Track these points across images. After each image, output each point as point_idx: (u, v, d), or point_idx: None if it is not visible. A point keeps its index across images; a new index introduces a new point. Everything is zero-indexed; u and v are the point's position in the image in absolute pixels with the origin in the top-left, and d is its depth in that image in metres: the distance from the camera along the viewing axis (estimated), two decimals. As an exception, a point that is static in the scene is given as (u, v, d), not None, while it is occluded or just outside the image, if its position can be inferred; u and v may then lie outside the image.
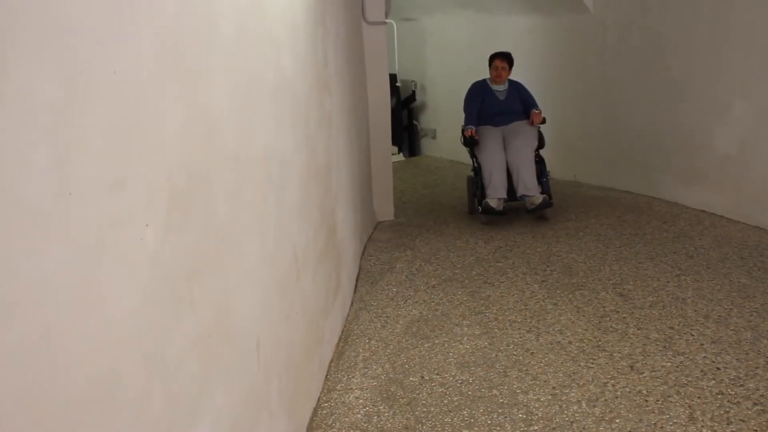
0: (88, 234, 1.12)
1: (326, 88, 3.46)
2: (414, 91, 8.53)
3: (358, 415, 2.85)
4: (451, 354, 3.33)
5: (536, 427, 2.72)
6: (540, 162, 5.50)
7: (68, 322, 1.06)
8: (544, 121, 5.50)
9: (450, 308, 3.86)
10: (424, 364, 3.25)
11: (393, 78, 8.10)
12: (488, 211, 5.26)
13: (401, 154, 8.51)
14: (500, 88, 5.75)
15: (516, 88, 5.77)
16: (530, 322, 3.61)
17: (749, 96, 4.91)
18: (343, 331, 3.62)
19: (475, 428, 2.73)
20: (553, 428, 2.70)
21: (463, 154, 8.17)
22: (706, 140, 5.31)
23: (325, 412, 2.88)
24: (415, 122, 8.74)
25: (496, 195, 5.30)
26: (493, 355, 3.30)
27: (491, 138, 5.48)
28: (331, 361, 3.30)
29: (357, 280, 4.32)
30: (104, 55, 1.19)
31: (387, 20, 5.65)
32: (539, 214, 5.45)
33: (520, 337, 3.46)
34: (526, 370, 3.15)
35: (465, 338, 3.49)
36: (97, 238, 1.15)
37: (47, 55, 1.02)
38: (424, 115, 8.69)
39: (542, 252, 4.69)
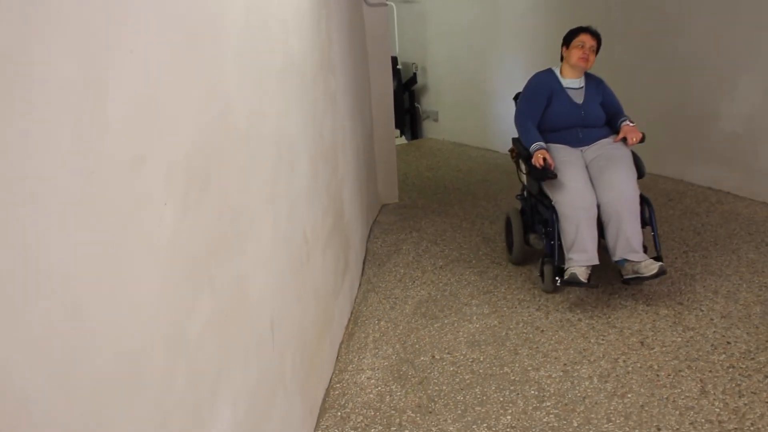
0: (111, 213, 1.12)
1: (331, 69, 3.45)
2: (415, 74, 8.49)
3: (371, 395, 2.87)
4: (461, 333, 3.34)
5: (548, 403, 2.73)
6: (644, 203, 3.58)
7: (95, 300, 1.07)
8: (642, 140, 3.66)
9: (458, 288, 3.87)
10: (435, 343, 3.26)
11: (394, 61, 8.06)
12: (573, 283, 3.44)
13: (403, 137, 8.49)
14: (576, 84, 3.83)
15: (596, 85, 3.89)
16: (539, 301, 3.62)
17: (756, 73, 4.89)
18: (352, 313, 3.63)
19: (488, 405, 2.74)
20: (566, 404, 2.72)
21: (466, 135, 8.19)
22: (712, 118, 5.29)
23: (337, 392, 2.90)
24: (416, 105, 8.71)
25: (585, 261, 3.45)
26: (503, 333, 3.31)
27: (573, 168, 3.57)
28: (342, 342, 3.31)
29: (364, 263, 4.32)
30: (121, 35, 1.18)
31: (387, 2, 5.63)
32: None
33: (530, 316, 3.47)
34: (537, 347, 3.16)
35: (474, 317, 3.50)
36: (119, 217, 1.15)
37: (66, 34, 1.02)
38: (426, 97, 8.66)
39: (548, 231, 4.68)
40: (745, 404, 2.62)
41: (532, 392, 2.82)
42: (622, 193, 3.47)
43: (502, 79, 7.33)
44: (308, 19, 2.89)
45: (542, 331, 3.31)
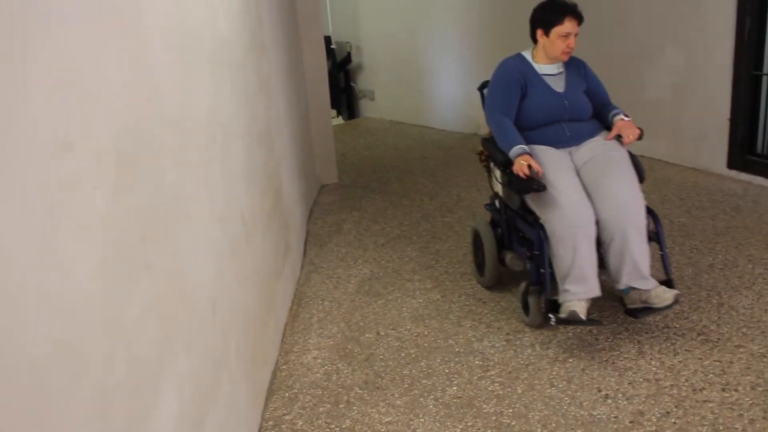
0: (37, 199, 1.09)
1: (263, 50, 3.41)
2: (349, 53, 8.46)
3: (318, 375, 2.87)
4: (404, 309, 3.37)
5: (493, 372, 2.78)
6: (648, 215, 2.96)
7: (27, 286, 1.04)
8: (641, 137, 3.05)
9: (400, 265, 3.89)
10: (379, 320, 3.28)
11: (327, 40, 8.02)
12: (572, 322, 2.84)
13: (340, 117, 8.47)
14: (553, 69, 3.17)
15: (577, 70, 3.23)
16: (480, 273, 3.67)
17: (680, 41, 5.02)
18: (295, 294, 3.62)
19: (434, 378, 2.78)
20: (510, 372, 2.77)
21: (403, 113, 8.20)
22: (639, 86, 5.42)
23: (284, 374, 2.89)
24: (352, 84, 8.69)
25: (585, 293, 2.84)
26: (446, 306, 3.35)
27: (564, 176, 2.94)
28: (287, 323, 3.30)
29: (305, 244, 4.31)
30: (39, 16, 1.14)
31: (318, -19, 5.58)
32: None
33: (472, 288, 3.52)
34: (480, 318, 3.21)
35: (417, 292, 3.53)
36: (47, 203, 1.12)
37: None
38: (362, 76, 8.64)
39: (487, 204, 4.74)
40: (680, 362, 2.72)
41: (477, 362, 2.86)
42: (627, 206, 2.84)
43: (437, 56, 7.36)
44: (237, 1, 2.85)
45: (484, 302, 3.36)
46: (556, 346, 2.92)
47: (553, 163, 2.97)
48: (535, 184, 2.85)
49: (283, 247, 3.43)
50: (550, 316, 2.85)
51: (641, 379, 2.64)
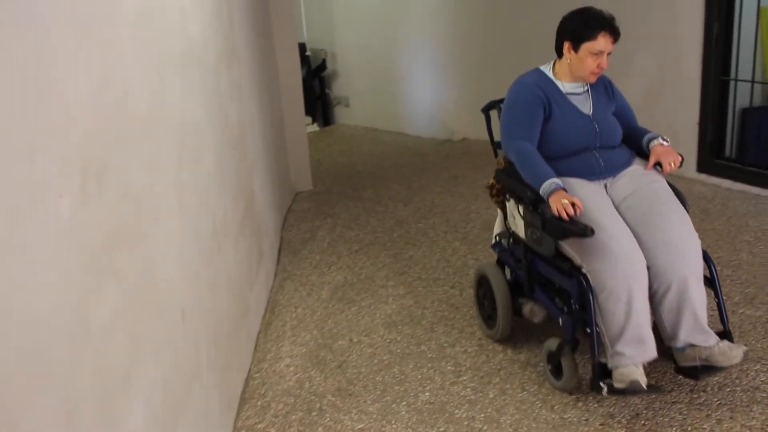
0: (3, 203, 1.08)
1: (235, 56, 3.40)
2: (324, 60, 8.46)
3: (291, 382, 2.86)
4: (377, 315, 3.37)
5: (465, 377, 2.79)
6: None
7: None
8: (681, 164, 2.66)
9: (374, 271, 3.90)
10: (352, 327, 3.28)
11: (302, 47, 8.02)
12: (630, 393, 2.37)
13: (315, 124, 8.46)
14: (579, 88, 2.74)
15: (604, 87, 2.83)
16: (453, 278, 3.69)
17: (651, 48, 5.08)
18: (268, 302, 3.61)
19: (406, 384, 2.78)
20: (482, 377, 2.78)
21: (378, 120, 8.20)
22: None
23: (257, 382, 2.88)
24: (327, 91, 8.68)
25: (642, 356, 2.41)
26: (419, 312, 3.36)
27: (608, 215, 2.50)
28: (259, 332, 3.29)
29: (279, 251, 4.30)
30: (4, 18, 1.13)
31: (292, -13, 5.58)
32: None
33: (444, 294, 3.53)
34: (452, 324, 3.22)
35: (390, 299, 3.53)
36: (11, 211, 1.11)
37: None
38: (337, 83, 8.64)
39: (461, 210, 4.76)
40: (649, 364, 2.73)
41: (449, 368, 2.87)
42: (684, 249, 2.43)
43: (412, 63, 7.39)
44: (209, 6, 2.84)
45: (457, 308, 3.37)
46: (527, 351, 2.93)
47: (595, 199, 2.51)
48: (580, 227, 2.34)
49: (256, 254, 3.42)
50: (602, 385, 2.37)
51: (612, 383, 2.66)
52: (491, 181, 2.97)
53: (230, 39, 3.30)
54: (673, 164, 2.60)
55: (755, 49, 4.57)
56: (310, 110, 7.81)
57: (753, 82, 4.63)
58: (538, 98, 2.66)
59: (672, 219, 2.49)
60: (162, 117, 2.00)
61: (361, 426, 2.55)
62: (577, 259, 2.45)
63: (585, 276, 2.42)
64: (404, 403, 2.66)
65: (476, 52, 6.72)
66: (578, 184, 2.57)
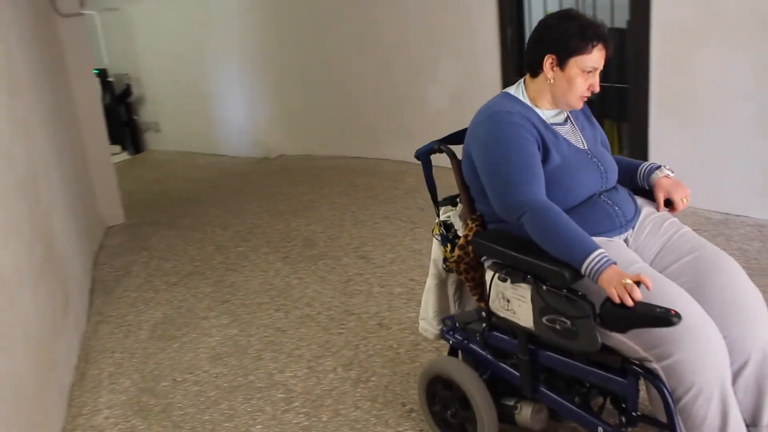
0: None
1: (16, 91, 3.13)
2: (129, 85, 8.11)
3: (111, 435, 2.67)
4: (201, 349, 3.22)
5: (297, 403, 2.72)
6: None
7: None
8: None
9: (194, 303, 3.73)
10: (175, 365, 3.11)
11: (104, 73, 7.65)
12: None
13: (125, 153, 8.09)
14: (560, 117, 2.09)
15: (583, 112, 2.17)
16: (278, 301, 3.61)
17: (453, 53, 5.27)
18: (81, 350, 3.35)
19: (236, 419, 2.67)
20: (314, 400, 2.72)
21: (191, 143, 7.95)
22: (420, 99, 5.64)
23: (71, 440, 2.66)
24: (135, 117, 8.32)
25: None
26: (245, 341, 3.25)
27: (666, 284, 1.78)
28: (73, 384, 3.04)
29: (91, 293, 4.02)
30: None
31: (84, 11, 5.27)
32: None
33: (270, 318, 3.44)
34: (280, 349, 3.14)
35: (214, 330, 3.39)
36: None
37: None
38: (145, 108, 8.31)
39: (282, 229, 4.70)
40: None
41: (280, 395, 2.79)
42: (755, 312, 1.84)
43: (221, 83, 7.26)
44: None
45: (284, 331, 3.29)
46: (357, 367, 2.90)
47: (642, 267, 1.85)
48: (661, 313, 1.62)
49: (61, 301, 3.16)
50: None
51: (440, 388, 2.69)
52: (457, 252, 2.13)
53: (8, 73, 3.04)
54: (685, 200, 2.10)
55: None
56: (117, 138, 7.47)
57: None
58: (532, 135, 1.97)
59: (733, 276, 1.89)
60: None
61: (190, 472, 2.41)
62: (640, 352, 1.73)
63: (652, 372, 1.73)
64: (234, 440, 2.55)
65: (286, 69, 6.69)
66: (617, 249, 1.91)
